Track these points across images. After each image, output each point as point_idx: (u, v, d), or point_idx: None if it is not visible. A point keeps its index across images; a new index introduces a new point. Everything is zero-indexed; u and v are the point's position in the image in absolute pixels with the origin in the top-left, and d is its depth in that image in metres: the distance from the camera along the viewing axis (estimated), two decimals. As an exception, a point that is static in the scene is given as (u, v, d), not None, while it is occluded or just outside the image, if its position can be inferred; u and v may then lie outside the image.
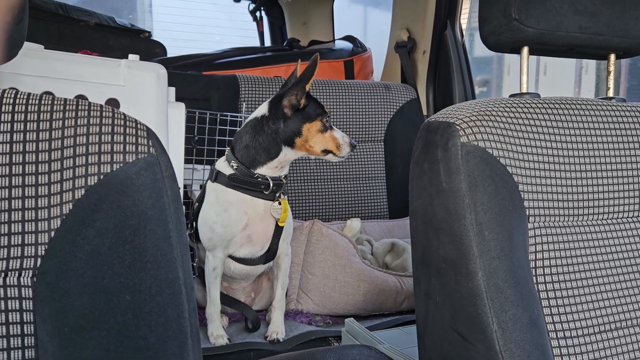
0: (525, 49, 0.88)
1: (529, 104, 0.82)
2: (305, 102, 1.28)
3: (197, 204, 1.39)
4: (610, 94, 0.96)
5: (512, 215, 0.75)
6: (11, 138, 0.59)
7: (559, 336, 0.76)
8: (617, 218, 0.85)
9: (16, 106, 0.60)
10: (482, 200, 0.73)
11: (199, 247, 1.42)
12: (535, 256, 0.78)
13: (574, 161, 0.82)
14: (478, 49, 2.49)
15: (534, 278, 0.77)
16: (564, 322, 0.77)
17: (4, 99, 0.60)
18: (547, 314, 0.77)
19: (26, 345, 0.58)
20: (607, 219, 0.84)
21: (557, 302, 0.77)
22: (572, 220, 0.82)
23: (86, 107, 0.62)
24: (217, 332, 1.33)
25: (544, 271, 0.78)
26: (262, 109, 1.31)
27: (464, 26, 2.20)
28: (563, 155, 0.81)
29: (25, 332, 0.58)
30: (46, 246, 0.58)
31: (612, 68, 0.96)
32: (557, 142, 0.81)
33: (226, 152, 1.34)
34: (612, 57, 0.95)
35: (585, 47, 0.89)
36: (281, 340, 1.34)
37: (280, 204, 1.31)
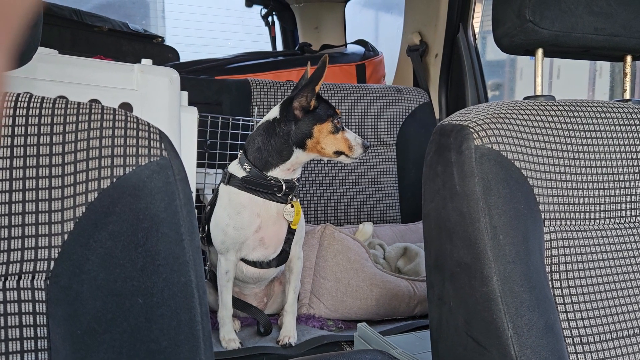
0: (540, 51, 0.87)
1: (544, 106, 0.81)
2: (315, 104, 1.28)
3: (209, 207, 1.39)
4: (627, 96, 0.95)
5: (527, 219, 0.74)
6: (25, 141, 0.59)
7: (575, 342, 0.75)
8: (634, 222, 0.84)
9: (30, 110, 0.60)
10: (497, 203, 0.72)
11: (211, 251, 1.42)
12: (551, 260, 0.77)
13: (590, 164, 0.81)
14: (490, 53, 2.47)
15: (550, 282, 0.76)
16: (581, 328, 0.76)
17: (19, 103, 0.61)
18: (564, 319, 0.75)
19: (39, 348, 0.58)
20: (624, 222, 0.83)
21: (573, 307, 0.76)
22: (589, 224, 0.80)
23: (99, 111, 0.62)
24: (229, 336, 1.33)
25: (559, 275, 0.77)
26: (274, 112, 1.31)
27: (476, 29, 2.19)
28: (579, 158, 0.80)
29: (39, 335, 0.58)
30: (59, 249, 0.58)
31: (628, 70, 0.94)
32: (573, 145, 0.80)
33: (239, 155, 1.34)
34: (629, 58, 0.94)
35: (600, 48, 0.88)
36: (293, 344, 1.33)
37: (292, 206, 1.30)
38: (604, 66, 2.60)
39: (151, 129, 0.63)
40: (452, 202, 0.75)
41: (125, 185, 0.59)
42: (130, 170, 0.59)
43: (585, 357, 0.75)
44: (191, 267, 0.61)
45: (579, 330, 0.76)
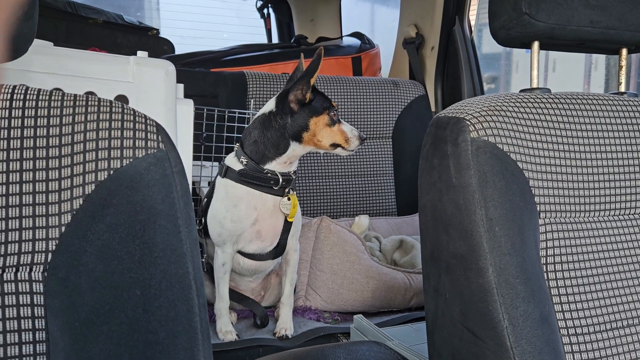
0: (536, 44, 0.87)
1: (540, 99, 0.82)
2: (311, 96, 1.28)
3: (206, 199, 1.39)
4: (622, 88, 0.95)
5: (522, 211, 0.75)
6: (22, 134, 0.59)
7: (570, 332, 0.76)
8: (629, 214, 0.84)
9: (27, 102, 0.60)
10: (493, 195, 0.72)
11: (208, 243, 1.42)
12: (546, 252, 0.77)
13: (586, 156, 0.81)
14: (486, 46, 2.47)
15: (545, 274, 0.77)
16: (575, 319, 0.76)
17: (15, 95, 0.60)
18: (558, 310, 0.76)
19: (37, 339, 0.58)
20: (619, 214, 0.84)
21: (568, 299, 0.77)
22: (584, 216, 0.81)
23: (96, 103, 0.62)
24: (226, 328, 1.33)
25: (554, 267, 0.77)
26: (270, 105, 1.31)
27: (472, 22, 2.19)
28: (574, 151, 0.80)
29: (37, 327, 0.58)
30: (57, 241, 0.58)
31: (623, 62, 0.95)
32: (569, 138, 0.80)
33: (235, 148, 1.34)
34: (624, 51, 0.94)
35: (596, 41, 0.88)
36: (290, 336, 1.34)
37: (289, 199, 1.31)
38: (600, 59, 2.61)
39: (148, 121, 0.63)
40: (448, 194, 0.75)
41: (123, 177, 0.59)
42: (128, 162, 0.59)
43: (579, 347, 0.76)
44: (189, 259, 0.61)
45: (573, 322, 0.76)
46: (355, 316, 1.31)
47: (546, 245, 0.77)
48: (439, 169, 0.76)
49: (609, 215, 0.83)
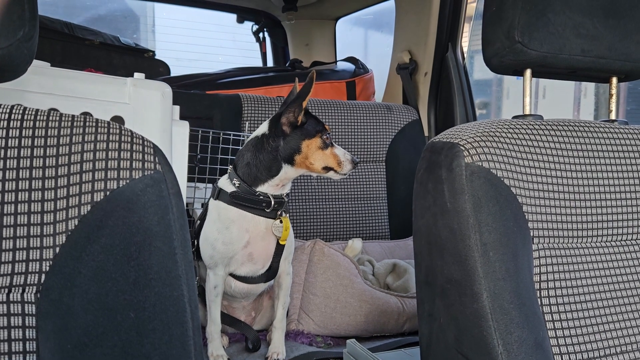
0: (528, 72, 0.89)
1: (533, 125, 0.83)
2: (303, 119, 1.29)
3: (199, 221, 1.39)
4: (613, 116, 0.97)
5: (516, 236, 0.75)
6: (19, 154, 0.59)
7: (564, 359, 0.76)
8: (622, 240, 0.85)
9: (24, 122, 0.60)
10: (487, 220, 0.73)
11: (200, 265, 1.41)
12: (540, 277, 0.78)
13: (578, 183, 0.82)
14: (478, 72, 2.51)
15: (539, 299, 0.77)
16: (569, 345, 0.76)
17: (13, 115, 0.61)
18: (552, 336, 0.76)
19: None
20: (612, 241, 0.84)
21: (562, 324, 0.77)
22: (577, 242, 0.81)
23: (93, 124, 0.62)
24: (217, 352, 1.32)
25: (548, 293, 0.78)
26: (263, 128, 1.32)
27: (465, 49, 2.22)
28: (567, 177, 0.81)
29: (28, 350, 0.57)
30: (51, 262, 0.58)
31: (614, 91, 0.97)
32: (561, 164, 0.81)
33: (229, 170, 1.34)
34: (614, 80, 0.96)
35: (587, 70, 0.90)
36: (282, 361, 1.33)
37: (281, 222, 1.30)
38: (589, 87, 2.65)
39: (145, 142, 0.63)
40: (442, 218, 0.76)
41: (119, 198, 0.59)
42: (124, 183, 0.59)
43: (573, 374, 0.75)
44: (183, 281, 0.61)
45: (567, 348, 0.76)
46: (348, 341, 1.30)
47: (540, 270, 0.78)
48: (434, 193, 0.77)
49: (601, 241, 0.84)
